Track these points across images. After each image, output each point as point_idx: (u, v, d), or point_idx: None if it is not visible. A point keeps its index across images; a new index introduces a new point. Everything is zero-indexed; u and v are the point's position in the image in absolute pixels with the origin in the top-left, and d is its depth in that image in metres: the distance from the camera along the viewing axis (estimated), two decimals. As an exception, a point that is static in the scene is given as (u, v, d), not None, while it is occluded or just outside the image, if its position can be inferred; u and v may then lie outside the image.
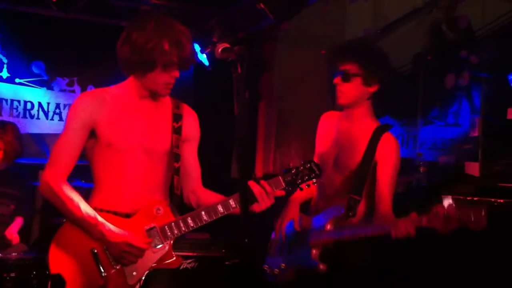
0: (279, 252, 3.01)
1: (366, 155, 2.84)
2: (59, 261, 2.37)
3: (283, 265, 2.95)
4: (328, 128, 3.05)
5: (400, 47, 6.12)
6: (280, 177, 2.47)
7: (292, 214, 3.00)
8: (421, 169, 4.39)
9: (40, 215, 4.79)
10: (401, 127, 5.84)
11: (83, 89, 5.71)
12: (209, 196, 2.59)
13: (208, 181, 2.69)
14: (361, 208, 2.86)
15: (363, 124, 2.91)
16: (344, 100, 2.88)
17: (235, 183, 2.51)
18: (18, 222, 4.46)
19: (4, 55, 5.42)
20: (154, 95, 2.52)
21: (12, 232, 4.37)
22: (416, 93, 5.66)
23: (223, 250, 4.34)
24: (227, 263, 4.23)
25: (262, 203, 2.41)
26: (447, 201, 2.53)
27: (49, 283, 2.36)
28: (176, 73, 2.45)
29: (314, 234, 2.87)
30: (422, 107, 5.61)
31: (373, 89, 2.86)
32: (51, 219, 4.36)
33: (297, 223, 2.96)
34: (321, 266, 2.80)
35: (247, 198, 2.32)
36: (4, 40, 5.39)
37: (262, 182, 2.43)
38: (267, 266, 3.02)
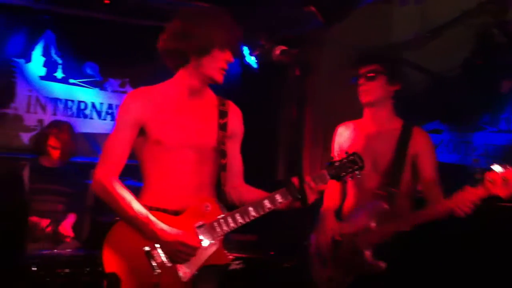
0: (324, 265, 2.99)
1: (399, 149, 2.92)
2: (113, 260, 2.39)
3: (332, 276, 2.93)
4: (351, 136, 3.12)
5: (448, 51, 6.01)
6: (325, 171, 2.47)
7: (330, 225, 3.00)
8: (478, 176, 4.27)
9: (90, 213, 4.88)
10: (452, 132, 5.72)
11: (134, 90, 5.82)
12: (251, 192, 2.60)
13: (254, 183, 2.68)
14: (402, 201, 2.88)
15: (391, 123, 3.02)
16: (367, 98, 3.01)
17: (281, 185, 2.52)
18: (71, 218, 4.57)
19: (59, 56, 5.53)
20: (202, 89, 2.54)
21: (66, 227, 4.47)
22: (465, 98, 5.54)
23: (271, 252, 4.34)
24: (285, 265, 4.21)
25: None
26: (498, 167, 2.53)
27: (105, 282, 2.39)
28: (231, 57, 2.48)
29: (361, 236, 2.85)
30: (473, 112, 5.49)
31: (396, 87, 3.00)
32: (102, 217, 4.47)
33: (337, 233, 2.96)
34: (381, 264, 2.78)
35: (301, 194, 2.33)
36: (59, 42, 5.51)
37: (306, 177, 2.42)
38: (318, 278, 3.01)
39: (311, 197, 2.40)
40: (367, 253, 2.81)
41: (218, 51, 2.44)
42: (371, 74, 2.98)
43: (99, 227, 4.66)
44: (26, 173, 4.47)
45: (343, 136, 3.16)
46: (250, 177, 2.70)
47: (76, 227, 4.61)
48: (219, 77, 2.49)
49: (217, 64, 2.46)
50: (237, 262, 4.16)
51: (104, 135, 5.56)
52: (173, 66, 2.55)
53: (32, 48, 5.40)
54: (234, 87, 5.91)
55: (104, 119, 5.75)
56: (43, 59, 5.47)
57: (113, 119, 5.74)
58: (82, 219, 4.73)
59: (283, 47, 2.23)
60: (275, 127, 6.15)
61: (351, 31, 5.74)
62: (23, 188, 4.42)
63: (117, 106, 5.74)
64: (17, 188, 4.40)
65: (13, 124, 5.32)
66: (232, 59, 2.49)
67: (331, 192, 3.16)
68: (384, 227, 2.81)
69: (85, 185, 4.73)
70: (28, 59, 5.39)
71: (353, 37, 5.78)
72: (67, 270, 3.89)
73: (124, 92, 5.79)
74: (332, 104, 5.95)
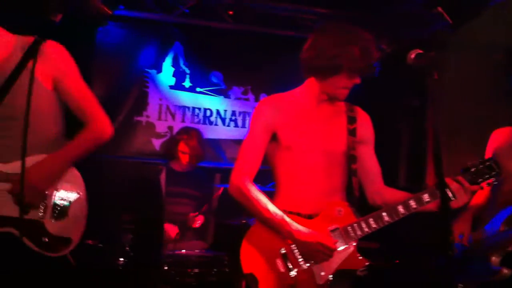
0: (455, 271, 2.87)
1: None
2: (250, 261, 2.46)
3: (460, 285, 2.81)
4: (507, 140, 2.94)
5: None
6: (460, 177, 2.39)
7: (462, 227, 2.87)
8: None
9: (215, 216, 5.05)
10: None
11: (256, 97, 5.96)
12: (394, 195, 2.57)
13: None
14: None
15: None
16: None
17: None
18: (199, 219, 4.76)
19: (187, 66, 5.81)
20: (331, 99, 2.57)
21: (196, 218, 4.63)
22: None
23: (396, 261, 4.24)
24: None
25: (460, 200, 2.35)
26: None
27: (243, 282, 2.47)
28: (358, 80, 2.48)
29: (489, 240, 2.74)
30: None
31: None
32: (226, 220, 4.62)
33: (466, 238, 2.82)
34: (505, 270, 2.66)
35: (445, 198, 2.20)
36: (187, 53, 5.79)
37: (459, 178, 2.37)
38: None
39: (465, 198, 2.36)
40: (493, 258, 2.71)
41: (346, 74, 2.45)
42: None
43: (224, 229, 4.80)
44: (163, 177, 4.71)
45: (498, 141, 3.01)
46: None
47: (202, 230, 4.80)
48: (342, 97, 2.53)
49: (341, 84, 2.48)
50: (361, 269, 4.10)
51: (228, 141, 5.76)
52: (308, 74, 2.60)
53: (162, 59, 5.73)
54: (353, 91, 5.86)
55: (228, 126, 5.93)
56: (172, 69, 5.77)
57: (236, 125, 5.92)
58: (208, 222, 4.90)
59: (419, 51, 2.19)
60: (395, 133, 6.01)
61: (478, 32, 5.47)
62: (160, 191, 4.67)
63: (239, 113, 5.94)
64: (155, 190, 4.66)
65: (146, 131, 5.67)
66: (359, 82, 2.48)
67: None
68: None
69: (211, 188, 4.91)
70: (159, 70, 5.72)
71: (481, 38, 5.51)
72: (196, 270, 4.06)
73: (247, 100, 5.97)
74: (456, 108, 5.71)
